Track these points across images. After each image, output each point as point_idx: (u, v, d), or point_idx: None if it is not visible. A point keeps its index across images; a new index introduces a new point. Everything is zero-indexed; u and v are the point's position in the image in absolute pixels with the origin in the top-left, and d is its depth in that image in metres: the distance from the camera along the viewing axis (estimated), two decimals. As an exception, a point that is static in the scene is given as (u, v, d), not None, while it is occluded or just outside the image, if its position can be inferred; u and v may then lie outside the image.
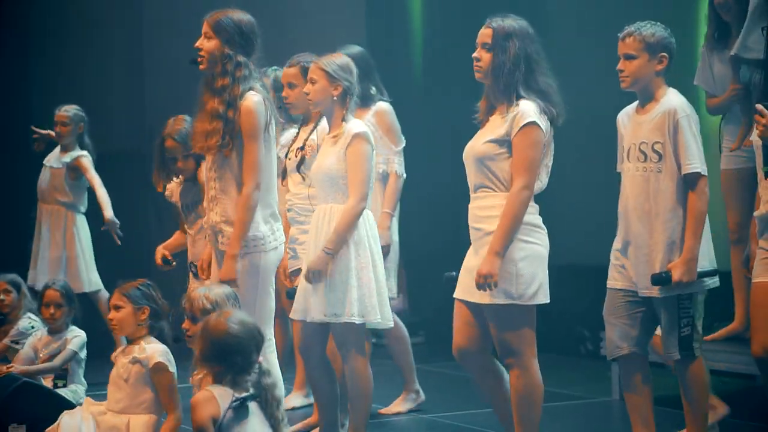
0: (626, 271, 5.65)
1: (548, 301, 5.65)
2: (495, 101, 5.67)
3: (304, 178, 6.62)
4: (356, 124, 6.21)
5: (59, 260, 9.25)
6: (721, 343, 7.12)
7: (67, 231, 9.30)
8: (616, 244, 5.73)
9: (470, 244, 5.75)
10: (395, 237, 7.29)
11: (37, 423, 6.24)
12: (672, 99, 5.57)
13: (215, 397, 4.65)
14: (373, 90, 7.18)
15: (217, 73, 5.93)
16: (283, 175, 6.97)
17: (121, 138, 11.68)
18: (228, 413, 4.62)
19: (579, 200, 9.85)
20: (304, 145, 6.72)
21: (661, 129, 5.51)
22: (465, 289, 5.68)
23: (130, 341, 6.01)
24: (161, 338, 5.98)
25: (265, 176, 5.92)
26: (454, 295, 5.75)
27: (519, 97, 5.58)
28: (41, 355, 7.25)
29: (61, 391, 6.89)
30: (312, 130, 6.71)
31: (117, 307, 5.97)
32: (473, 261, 5.64)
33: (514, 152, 5.54)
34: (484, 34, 5.69)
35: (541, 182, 5.65)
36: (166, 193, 7.00)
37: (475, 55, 5.69)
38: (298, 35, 10.04)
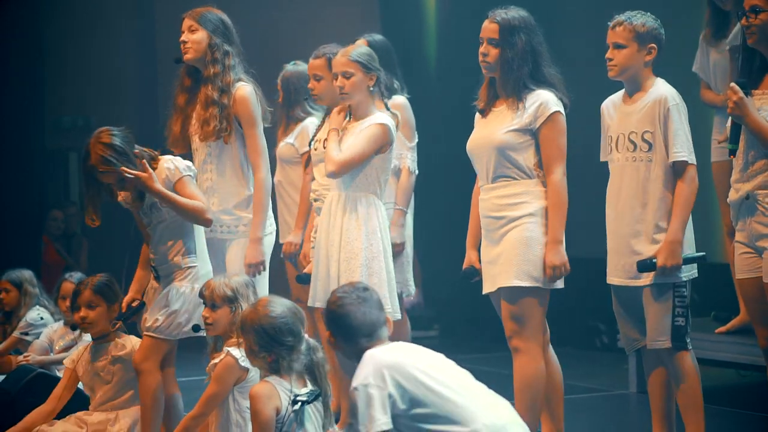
0: (621, 264, 5.60)
1: (563, 286, 5.67)
2: (503, 94, 5.68)
3: None
4: (380, 116, 6.11)
5: None
6: (734, 334, 7.08)
7: None
8: (609, 236, 5.69)
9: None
10: (409, 232, 7.19)
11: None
12: (661, 88, 5.52)
13: (276, 390, 4.64)
14: (397, 84, 7.10)
15: (207, 62, 6.08)
16: (306, 163, 6.95)
17: (134, 131, 11.65)
18: (289, 411, 4.61)
19: (593, 192, 9.80)
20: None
21: (651, 118, 5.47)
22: (488, 281, 5.68)
23: (97, 338, 6.00)
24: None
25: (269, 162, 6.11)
26: (484, 292, 5.75)
27: (528, 90, 5.58)
28: (56, 346, 7.25)
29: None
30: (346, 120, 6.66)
31: (91, 305, 5.92)
32: (493, 251, 5.64)
33: (546, 142, 5.57)
34: (490, 29, 5.67)
35: None
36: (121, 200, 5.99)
37: (482, 50, 5.68)
38: (313, 29, 10.02)
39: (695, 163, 5.46)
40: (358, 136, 6.02)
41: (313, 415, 4.71)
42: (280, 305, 4.79)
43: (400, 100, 6.89)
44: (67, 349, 7.16)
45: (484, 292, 5.75)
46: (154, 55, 11.63)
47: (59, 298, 7.37)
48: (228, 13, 6.25)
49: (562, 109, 5.60)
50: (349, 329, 4.50)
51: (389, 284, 6.14)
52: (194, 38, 6.07)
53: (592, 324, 9.82)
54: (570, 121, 5.69)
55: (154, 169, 5.57)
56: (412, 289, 7.15)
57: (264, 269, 6.05)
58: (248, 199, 6.09)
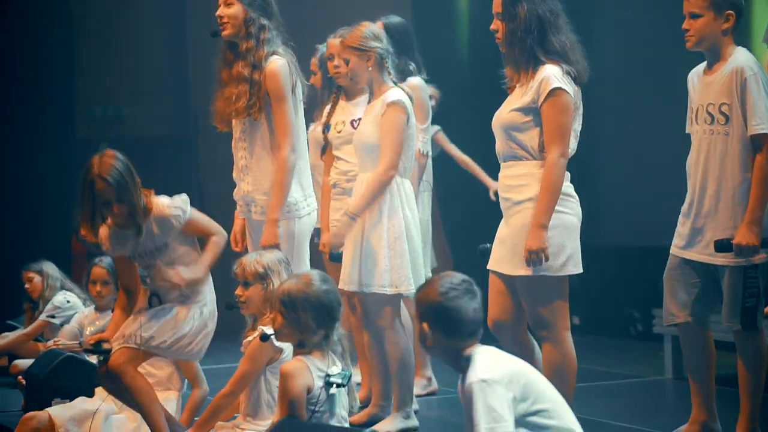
0: (691, 237, 5.48)
1: (580, 271, 5.44)
2: (515, 69, 5.50)
3: None
4: (393, 92, 6.12)
5: None
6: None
7: None
8: (684, 207, 5.55)
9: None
10: (424, 215, 7.07)
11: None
12: (739, 57, 5.35)
13: (308, 368, 4.54)
14: (412, 66, 7.04)
15: (241, 37, 5.94)
16: (323, 149, 6.89)
17: (165, 121, 11.65)
18: (323, 393, 4.51)
19: (628, 181, 9.71)
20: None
21: (729, 89, 5.31)
22: (497, 260, 5.52)
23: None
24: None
25: (297, 140, 5.92)
26: (488, 267, 5.58)
27: (538, 62, 5.41)
28: (87, 331, 7.22)
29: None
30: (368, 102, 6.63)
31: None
32: (504, 231, 5.50)
33: (545, 121, 5.36)
34: (496, 3, 5.52)
35: (570, 147, 5.45)
36: (101, 240, 5.67)
37: (492, 27, 5.55)
38: (342, 10, 9.94)
39: None
40: (384, 130, 6.02)
41: (342, 396, 4.64)
42: (324, 279, 4.69)
43: (415, 81, 6.88)
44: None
45: (487, 267, 5.58)
46: (185, 43, 11.58)
47: (90, 282, 7.33)
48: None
49: (566, 86, 5.35)
50: (457, 325, 4.09)
51: (414, 263, 6.10)
52: (230, 13, 5.95)
53: (627, 312, 9.71)
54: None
55: (149, 210, 5.31)
56: (429, 271, 7.07)
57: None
58: None
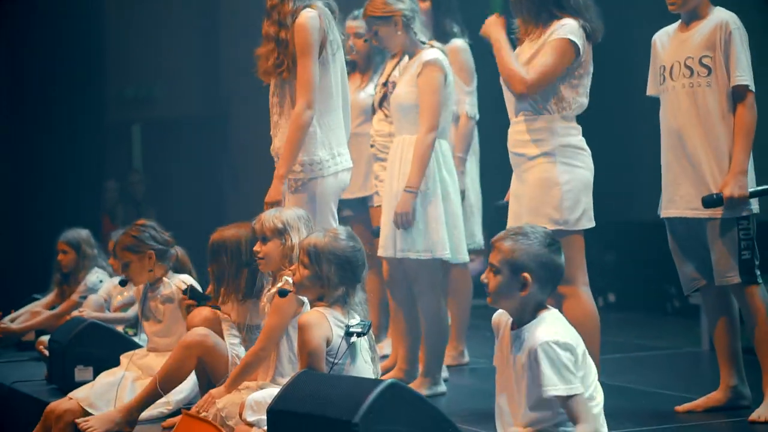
0: (680, 194, 5.38)
1: (593, 225, 5.35)
2: (523, 19, 5.42)
3: (386, 115, 6.45)
4: (429, 52, 6.00)
5: None
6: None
7: None
8: (663, 168, 5.46)
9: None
10: (467, 180, 6.95)
11: (104, 365, 6.10)
12: (722, 13, 5.35)
13: (326, 318, 4.43)
14: (456, 28, 6.93)
15: None
16: (373, 110, 6.78)
17: (197, 102, 11.61)
18: (343, 344, 4.41)
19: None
20: (387, 81, 6.56)
21: (711, 42, 5.29)
22: (515, 217, 5.40)
23: (152, 284, 6.01)
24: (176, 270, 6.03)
25: (324, 97, 5.67)
26: (508, 225, 5.41)
27: (552, 17, 5.33)
28: (115, 302, 7.16)
29: (131, 339, 6.77)
30: (395, 66, 6.53)
31: (126, 264, 5.98)
32: (519, 187, 5.41)
33: (541, 54, 5.28)
34: None
35: (580, 103, 5.37)
36: None
37: None
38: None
39: (754, 90, 5.27)
40: (422, 91, 5.93)
41: (363, 349, 4.53)
42: (351, 236, 4.60)
43: (458, 43, 6.80)
44: (125, 305, 7.07)
45: (508, 226, 5.43)
46: (217, 24, 11.54)
47: (112, 256, 7.28)
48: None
49: (576, 39, 5.26)
50: (554, 277, 4.14)
51: (453, 227, 5.99)
52: None
53: (663, 288, 9.59)
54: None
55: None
56: (481, 240, 6.95)
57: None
58: (311, 136, 5.66)
